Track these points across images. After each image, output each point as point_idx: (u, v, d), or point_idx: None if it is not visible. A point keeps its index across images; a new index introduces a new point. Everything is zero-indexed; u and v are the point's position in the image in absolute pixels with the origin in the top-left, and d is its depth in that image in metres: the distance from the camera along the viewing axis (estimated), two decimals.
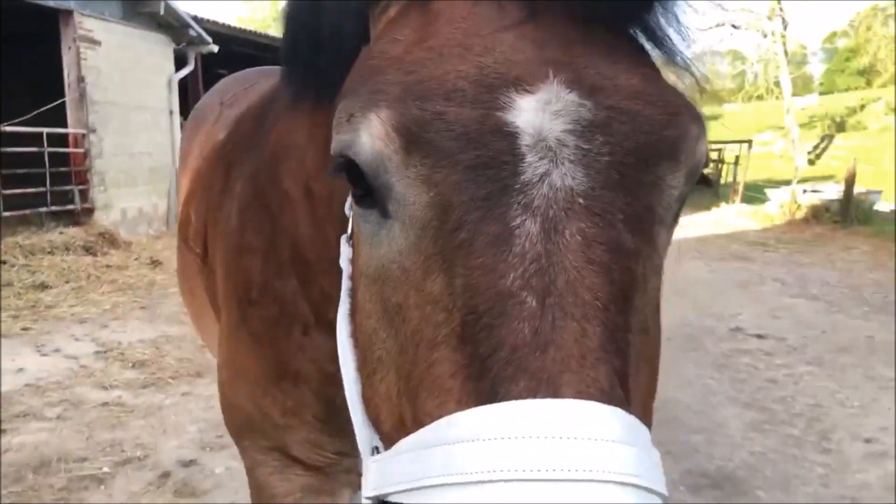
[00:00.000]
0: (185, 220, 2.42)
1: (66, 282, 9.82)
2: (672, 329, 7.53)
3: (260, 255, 1.71)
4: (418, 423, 0.84)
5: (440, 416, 0.80)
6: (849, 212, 15.44)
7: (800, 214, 16.70)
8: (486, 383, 0.78)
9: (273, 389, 1.77)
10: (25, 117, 12.28)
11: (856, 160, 16.19)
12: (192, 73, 16.41)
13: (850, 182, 15.62)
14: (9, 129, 11.86)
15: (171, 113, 15.76)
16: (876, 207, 17.08)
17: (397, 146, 0.89)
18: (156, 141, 15.27)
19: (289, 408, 1.78)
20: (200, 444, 4.90)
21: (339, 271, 1.16)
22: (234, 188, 1.89)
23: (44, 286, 9.51)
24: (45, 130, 12.45)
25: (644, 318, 0.89)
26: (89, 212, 13.14)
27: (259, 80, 2.59)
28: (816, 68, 79.57)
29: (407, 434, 0.86)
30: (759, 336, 7.45)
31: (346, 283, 1.10)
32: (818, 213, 16.17)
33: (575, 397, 0.75)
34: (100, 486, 4.32)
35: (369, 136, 0.90)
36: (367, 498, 0.90)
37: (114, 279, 10.20)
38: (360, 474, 1.55)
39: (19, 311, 8.34)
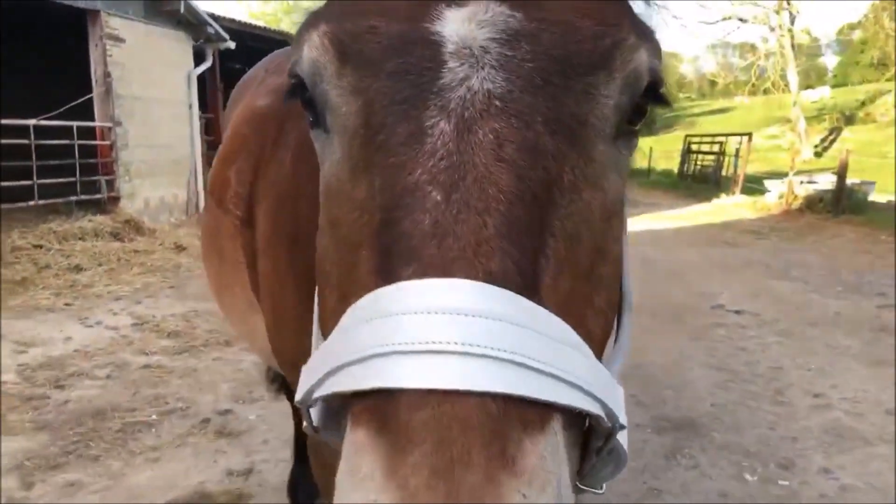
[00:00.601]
0: (223, 183, 2.40)
1: (99, 264, 10.57)
2: (659, 306, 8.20)
3: (311, 199, 1.73)
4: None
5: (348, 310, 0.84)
6: (840, 202, 16.01)
7: (796, 205, 17.25)
8: (388, 270, 0.82)
9: (312, 328, 1.89)
10: (57, 111, 13.04)
11: (848, 152, 16.73)
12: (210, 69, 17.14)
13: (841, 173, 16.19)
14: (43, 122, 12.62)
15: (190, 106, 16.46)
16: (871, 198, 17.62)
17: (331, 56, 0.96)
18: (176, 133, 16.00)
19: None
20: (233, 398, 5.61)
21: None
22: (289, 141, 1.96)
23: (78, 268, 10.24)
24: (75, 124, 13.18)
25: (574, 225, 0.90)
26: (115, 201, 13.87)
27: None
28: (830, 60, 79.58)
29: None
30: (737, 312, 8.11)
31: None
32: (812, 203, 16.74)
33: (462, 278, 0.78)
34: (150, 430, 5.03)
35: (309, 48, 0.99)
36: (297, 403, 0.93)
37: (142, 262, 10.95)
38: None
39: (60, 290, 9.10)
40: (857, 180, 17.77)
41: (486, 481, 0.67)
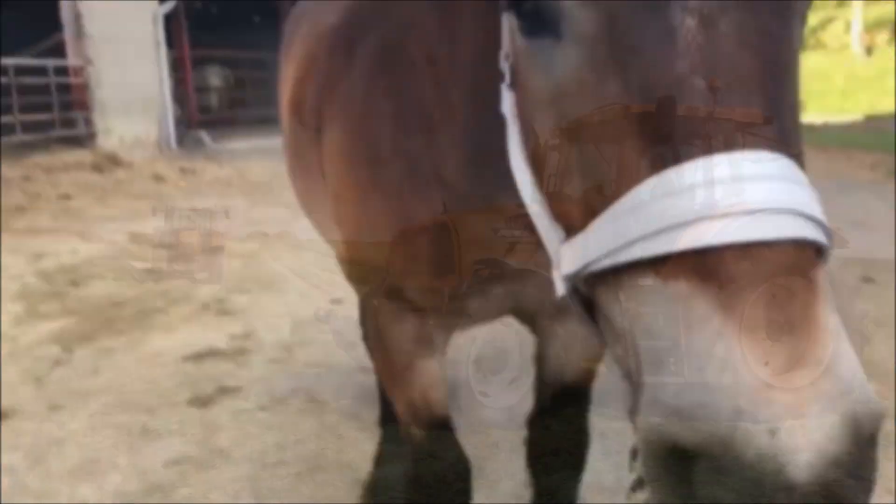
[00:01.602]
0: (299, 100, 2.50)
1: (86, 193, 11.46)
2: None
3: (389, 117, 1.87)
4: (610, 203, 0.96)
5: (630, 190, 0.93)
6: None
7: None
8: (670, 153, 0.91)
9: (398, 239, 1.95)
10: (34, 51, 13.64)
11: None
12: (175, 8, 17.61)
13: None
14: (15, 61, 13.25)
15: (157, 45, 16.99)
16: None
17: None
18: (146, 72, 16.54)
19: (409, 254, 1.94)
20: (227, 290, 6.66)
21: (460, 126, 1.45)
22: (360, 62, 2.00)
23: (68, 196, 11.13)
24: (52, 62, 13.81)
25: (795, 91, 1.03)
26: (92, 137, 14.61)
27: None
28: None
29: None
30: None
31: (512, 121, 1.22)
32: None
33: (749, 149, 0.89)
34: (161, 313, 6.08)
35: None
36: (565, 276, 1.05)
37: (126, 191, 11.85)
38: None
39: (56, 214, 10.02)
40: None
41: (809, 305, 0.83)
